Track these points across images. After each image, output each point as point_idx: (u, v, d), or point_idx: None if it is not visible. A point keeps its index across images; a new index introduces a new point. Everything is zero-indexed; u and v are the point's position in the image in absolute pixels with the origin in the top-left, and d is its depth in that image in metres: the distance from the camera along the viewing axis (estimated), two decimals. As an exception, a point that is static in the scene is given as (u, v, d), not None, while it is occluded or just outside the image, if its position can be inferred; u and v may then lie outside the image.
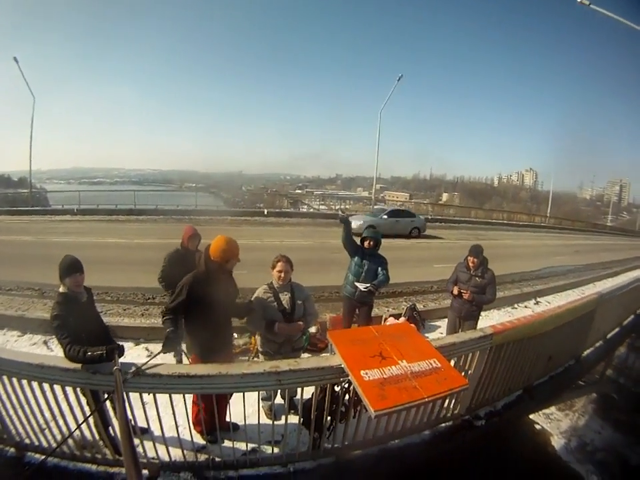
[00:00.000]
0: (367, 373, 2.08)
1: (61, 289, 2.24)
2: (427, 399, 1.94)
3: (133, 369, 2.00)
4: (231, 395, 2.43)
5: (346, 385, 2.36)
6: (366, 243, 3.77)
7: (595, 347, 4.62)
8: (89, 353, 1.95)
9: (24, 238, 9.63)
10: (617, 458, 4.55)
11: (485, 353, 2.82)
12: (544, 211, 35.26)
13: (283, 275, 2.82)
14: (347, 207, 22.61)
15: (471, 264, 3.80)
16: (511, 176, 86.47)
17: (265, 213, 15.18)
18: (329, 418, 2.43)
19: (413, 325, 3.87)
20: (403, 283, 7.11)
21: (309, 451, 2.53)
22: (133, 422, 2.12)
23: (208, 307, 2.35)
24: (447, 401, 2.89)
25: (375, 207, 17.64)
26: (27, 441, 2.30)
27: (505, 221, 25.59)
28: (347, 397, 2.40)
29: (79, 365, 2.00)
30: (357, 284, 3.71)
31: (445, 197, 65.98)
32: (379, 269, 3.73)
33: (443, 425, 2.95)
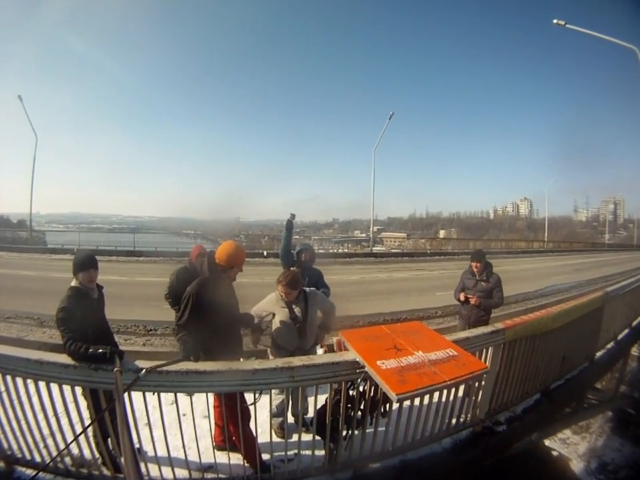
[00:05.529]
0: (383, 363, 2.01)
1: (73, 283, 2.20)
2: (448, 382, 1.87)
3: (143, 371, 1.90)
4: (250, 417, 2.30)
5: (361, 387, 2.26)
6: (303, 256, 3.62)
7: (607, 349, 4.53)
8: (91, 350, 1.89)
9: (24, 272, 9.60)
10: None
11: (498, 349, 2.74)
12: (541, 238, 35.48)
13: (284, 295, 2.71)
14: (345, 250, 22.64)
15: (474, 269, 3.80)
16: (506, 207, 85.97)
17: (265, 254, 15.25)
18: (344, 425, 2.29)
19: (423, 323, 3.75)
20: (407, 311, 7.07)
21: (325, 465, 2.37)
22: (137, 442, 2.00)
23: (216, 312, 2.28)
24: (466, 405, 2.77)
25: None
26: (18, 454, 2.14)
27: (504, 249, 25.69)
28: (362, 404, 2.29)
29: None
30: None
31: (442, 233, 66.46)
32: (318, 281, 3.54)
33: (464, 431, 2.78)
